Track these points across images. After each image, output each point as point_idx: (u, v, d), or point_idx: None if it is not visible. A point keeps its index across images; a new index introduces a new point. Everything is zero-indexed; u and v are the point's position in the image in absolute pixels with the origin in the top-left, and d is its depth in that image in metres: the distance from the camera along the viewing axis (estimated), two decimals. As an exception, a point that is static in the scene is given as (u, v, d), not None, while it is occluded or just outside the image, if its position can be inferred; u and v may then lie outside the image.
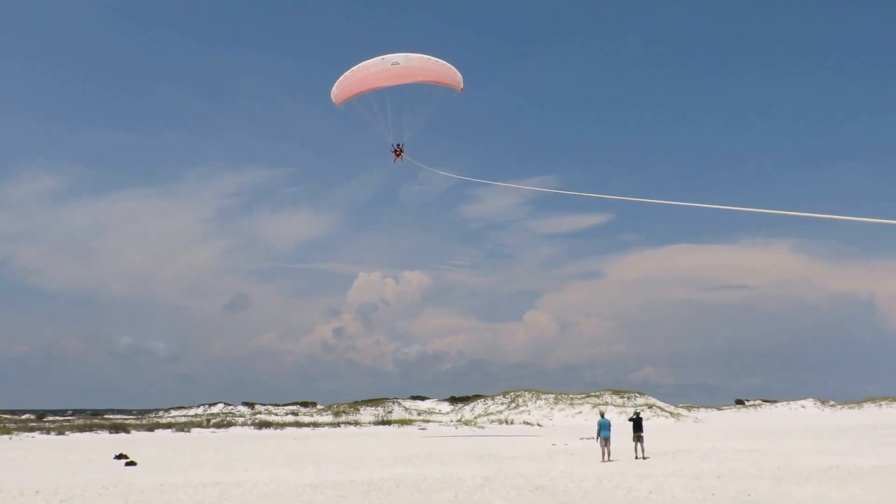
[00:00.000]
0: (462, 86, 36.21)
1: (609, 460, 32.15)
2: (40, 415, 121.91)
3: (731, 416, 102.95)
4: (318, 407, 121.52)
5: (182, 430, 70.72)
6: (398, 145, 35.33)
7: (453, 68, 35.88)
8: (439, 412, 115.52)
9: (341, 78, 35.46)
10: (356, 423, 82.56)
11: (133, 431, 67.23)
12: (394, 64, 34.77)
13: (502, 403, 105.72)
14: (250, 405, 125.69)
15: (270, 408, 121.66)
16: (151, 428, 71.81)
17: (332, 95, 36.02)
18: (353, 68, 35.19)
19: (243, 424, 78.91)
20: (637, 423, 34.63)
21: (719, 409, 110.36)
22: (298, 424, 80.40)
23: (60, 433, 63.12)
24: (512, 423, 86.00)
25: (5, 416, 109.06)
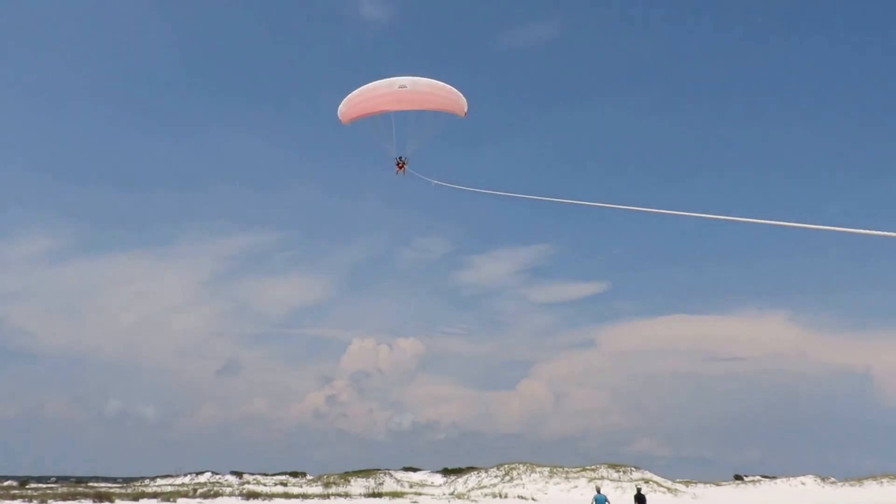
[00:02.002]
0: (466, 111, 37.43)
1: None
2: (23, 482, 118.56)
3: (731, 493, 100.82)
4: (308, 477, 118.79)
5: (168, 501, 68.15)
6: (401, 158, 36.47)
7: (458, 93, 37.16)
8: (432, 485, 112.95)
9: (349, 97, 36.66)
10: (346, 496, 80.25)
11: (118, 501, 64.76)
12: (401, 87, 36.05)
13: (496, 476, 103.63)
14: (238, 474, 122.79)
15: (259, 477, 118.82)
16: (136, 497, 68.93)
17: (338, 113, 37.15)
18: (361, 89, 36.42)
19: (231, 495, 76.31)
20: (640, 500, 34.62)
21: (718, 485, 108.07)
22: (287, 496, 77.95)
23: (43, 502, 61.17)
24: (506, 496, 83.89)
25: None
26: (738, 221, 19.06)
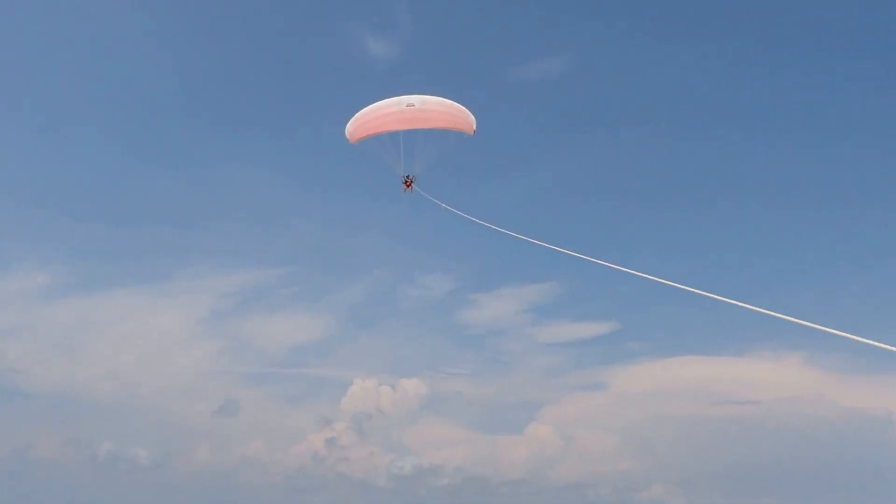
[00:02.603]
0: (475, 129, 36.75)
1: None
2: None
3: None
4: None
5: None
6: (408, 176, 36.18)
7: (466, 111, 36.49)
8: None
9: (356, 116, 36.01)
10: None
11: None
12: (409, 106, 35.38)
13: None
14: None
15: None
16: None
17: (346, 132, 36.48)
18: (369, 108, 35.79)
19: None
20: None
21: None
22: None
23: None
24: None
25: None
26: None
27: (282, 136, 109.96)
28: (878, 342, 13.58)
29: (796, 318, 16.35)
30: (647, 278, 22.62)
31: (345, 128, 36.57)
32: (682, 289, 20.50)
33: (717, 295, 18.65)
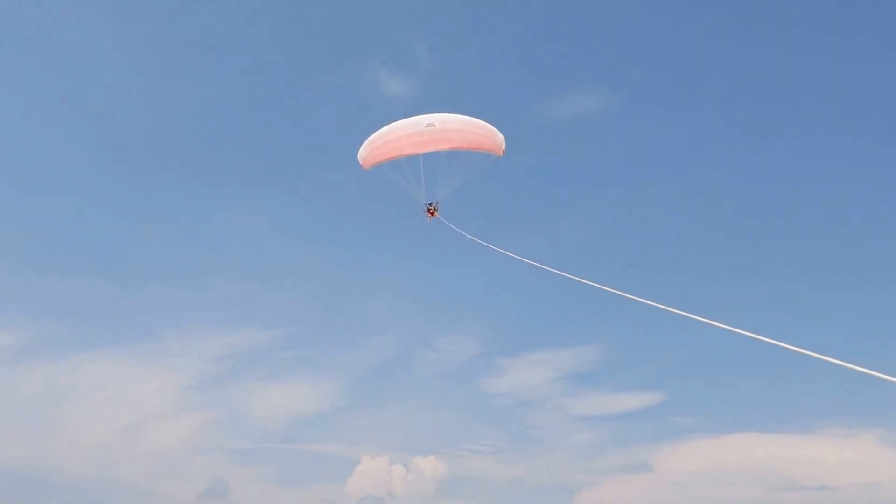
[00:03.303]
0: (504, 149, 33.02)
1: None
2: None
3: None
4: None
5: None
6: (431, 204, 33.46)
7: (494, 130, 32.80)
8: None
9: (370, 140, 32.43)
10: None
11: None
12: (428, 126, 31.82)
13: None
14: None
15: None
16: None
17: (359, 158, 32.96)
18: (384, 130, 32.23)
19: None
20: None
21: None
22: None
23: None
24: None
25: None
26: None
27: (282, 183, 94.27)
28: None
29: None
30: (707, 324, 18.59)
31: (357, 153, 33.02)
32: (742, 334, 16.53)
33: (798, 348, 14.69)
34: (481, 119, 32.75)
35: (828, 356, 14.59)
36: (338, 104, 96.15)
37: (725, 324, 18.68)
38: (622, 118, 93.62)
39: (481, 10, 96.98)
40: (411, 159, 32.21)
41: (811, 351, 14.92)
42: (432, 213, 33.91)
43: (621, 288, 22.19)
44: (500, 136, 32.85)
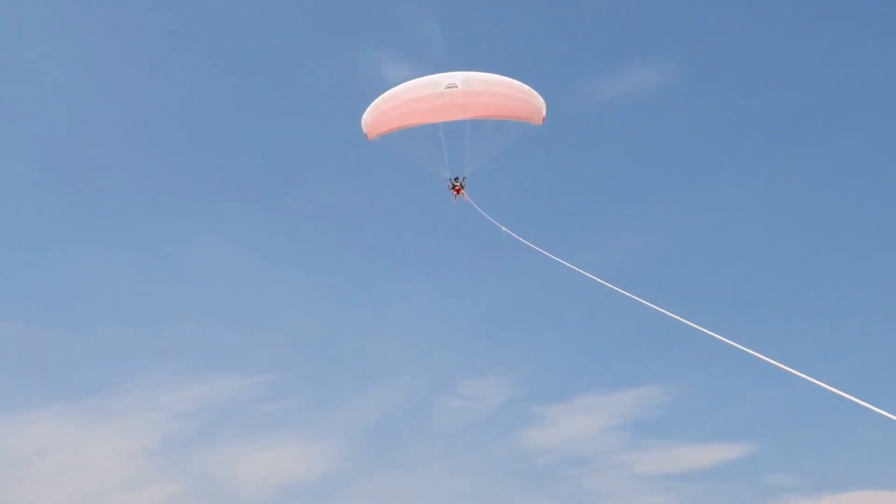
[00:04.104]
0: (544, 115, 26.61)
1: None
2: None
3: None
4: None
5: None
6: (457, 179, 27.71)
7: (531, 92, 26.37)
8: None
9: (377, 103, 26.23)
10: None
11: None
12: (449, 87, 25.52)
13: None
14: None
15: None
16: None
17: (362, 124, 26.86)
18: (395, 90, 25.98)
19: None
20: None
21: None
22: None
23: None
24: None
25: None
26: None
27: (265, 200, 72.28)
28: None
29: None
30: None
31: (360, 120, 26.87)
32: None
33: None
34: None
35: None
36: (331, 101, 72.88)
37: (826, 377, 12.56)
38: (690, 95, 69.21)
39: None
40: (429, 127, 26.12)
41: None
42: (458, 191, 27.98)
43: (695, 314, 15.98)
44: (540, 100, 26.47)
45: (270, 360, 66.15)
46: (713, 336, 15.88)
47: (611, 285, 17.42)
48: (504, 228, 25.62)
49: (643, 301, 16.07)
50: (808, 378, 13.35)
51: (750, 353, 15.23)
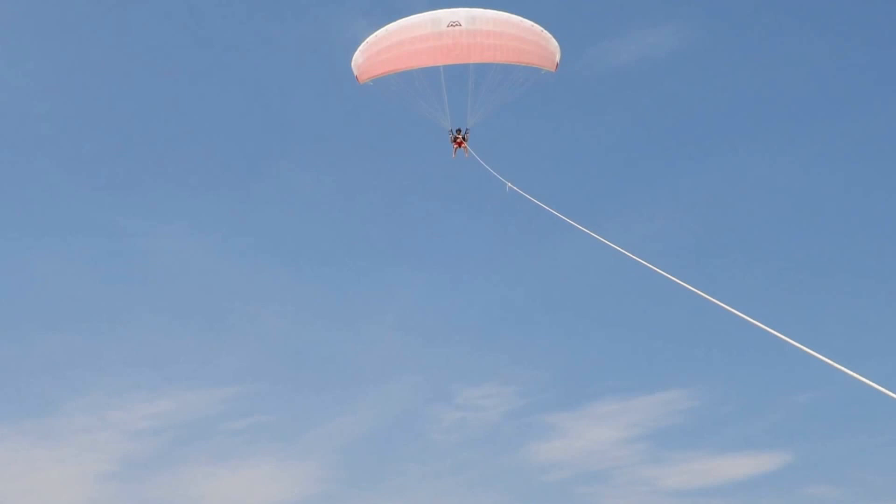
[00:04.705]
0: (557, 61, 23.86)
1: None
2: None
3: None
4: None
5: None
6: (458, 132, 25.31)
7: (544, 34, 23.64)
8: None
9: (369, 42, 23.47)
10: None
11: None
12: (452, 25, 22.81)
13: None
14: None
15: None
16: None
17: (352, 65, 24.19)
18: (391, 27, 23.23)
19: None
20: None
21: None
22: None
23: None
24: None
25: None
26: None
27: (229, 186, 61.38)
28: None
29: None
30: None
31: (351, 60, 24.15)
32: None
33: None
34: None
35: None
36: (301, 69, 62.01)
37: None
38: (709, 59, 61.36)
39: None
40: (428, 71, 23.47)
41: None
42: (459, 145, 25.57)
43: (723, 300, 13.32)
44: (554, 43, 23.74)
45: (240, 369, 56.19)
46: (755, 325, 13.18)
47: (643, 261, 14.59)
48: (510, 184, 23.20)
49: (681, 282, 13.27)
50: (854, 375, 10.87)
51: (790, 345, 12.71)
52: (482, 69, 23.52)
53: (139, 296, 58.14)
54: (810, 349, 11.62)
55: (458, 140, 25.59)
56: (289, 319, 58.43)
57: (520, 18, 23.37)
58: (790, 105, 59.72)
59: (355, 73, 24.14)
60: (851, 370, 10.74)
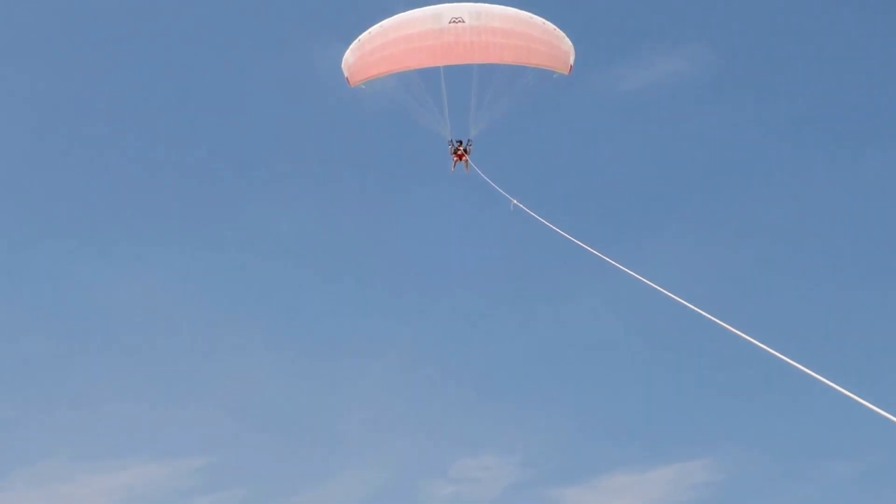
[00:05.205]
0: (571, 63, 21.55)
1: None
2: None
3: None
4: None
5: None
6: (460, 143, 23.11)
7: (556, 33, 21.42)
8: None
9: (363, 38, 21.19)
10: None
11: None
12: (454, 21, 20.53)
13: None
14: None
15: None
16: None
17: (343, 65, 21.86)
18: (386, 23, 20.95)
19: None
20: None
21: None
22: None
23: None
24: None
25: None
26: None
27: (199, 229, 52.22)
28: None
29: None
30: None
31: (342, 62, 21.83)
32: None
33: None
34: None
35: None
36: (276, 101, 55.39)
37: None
38: (728, 84, 54.39)
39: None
40: (426, 72, 21.19)
41: None
42: (460, 157, 23.45)
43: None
44: (568, 43, 21.51)
45: (205, 439, 48.48)
46: (801, 372, 10.75)
47: (674, 296, 12.08)
48: (514, 201, 20.86)
49: (718, 321, 10.83)
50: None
51: (839, 402, 10.25)
52: (487, 71, 21.35)
53: (93, 352, 50.20)
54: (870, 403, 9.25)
55: (459, 152, 23.41)
56: (262, 382, 50.68)
57: (530, 15, 21.16)
58: (806, 132, 54.19)
59: (345, 74, 21.79)
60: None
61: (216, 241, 51.98)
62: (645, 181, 53.51)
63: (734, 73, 54.86)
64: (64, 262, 49.72)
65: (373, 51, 21.07)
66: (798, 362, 10.00)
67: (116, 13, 54.11)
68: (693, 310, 11.99)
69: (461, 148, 23.29)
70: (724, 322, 11.20)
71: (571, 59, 21.60)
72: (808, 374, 9.82)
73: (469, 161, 23.39)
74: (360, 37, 21.21)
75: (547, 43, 21.26)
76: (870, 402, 8.65)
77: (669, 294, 12.72)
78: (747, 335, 10.94)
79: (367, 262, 50.17)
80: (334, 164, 52.29)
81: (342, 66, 21.76)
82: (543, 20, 21.16)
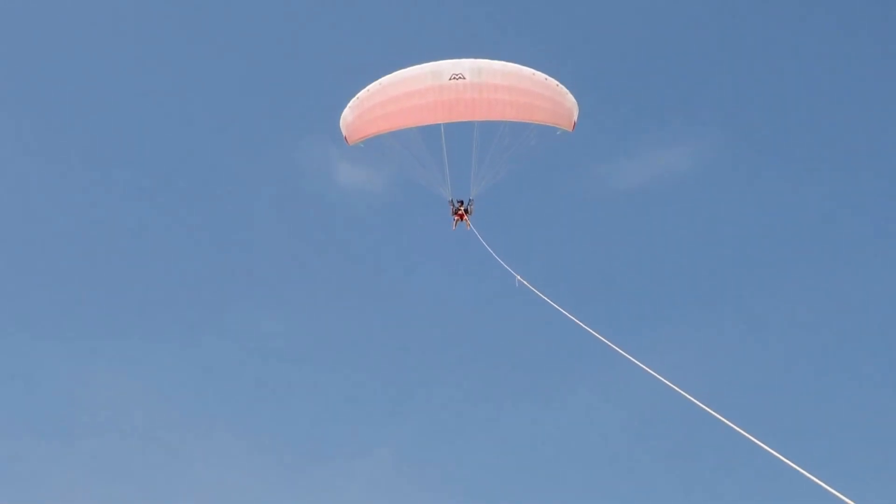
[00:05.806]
0: (575, 120, 21.02)
1: None
2: None
3: None
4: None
5: None
6: (461, 203, 22.73)
7: (559, 89, 20.86)
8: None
9: (362, 96, 20.59)
10: None
11: None
12: (454, 77, 20.02)
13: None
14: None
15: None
16: None
17: (341, 124, 21.25)
18: (385, 79, 20.40)
19: None
20: None
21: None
22: None
23: None
24: None
25: None
26: None
27: (182, 333, 47.42)
28: None
29: None
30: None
31: (340, 119, 21.28)
32: None
33: None
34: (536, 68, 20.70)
35: None
36: (266, 201, 52.18)
37: None
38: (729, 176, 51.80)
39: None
40: (426, 130, 20.66)
41: None
42: (461, 217, 22.93)
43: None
44: (571, 99, 20.94)
45: None
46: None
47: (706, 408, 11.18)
48: (519, 277, 19.71)
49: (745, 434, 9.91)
50: None
51: None
52: (489, 128, 20.79)
53: (71, 454, 43.66)
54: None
55: (460, 212, 22.86)
56: (242, 486, 43.45)
57: (532, 70, 20.59)
58: (811, 228, 50.01)
59: (343, 133, 21.19)
60: None
61: (199, 344, 47.51)
62: (654, 267, 48.90)
63: (748, 159, 51.44)
64: (41, 359, 45.03)
65: (372, 108, 20.49)
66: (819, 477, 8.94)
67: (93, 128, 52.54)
68: (701, 407, 10.93)
69: (462, 208, 22.76)
70: (736, 426, 9.99)
71: (575, 116, 21.07)
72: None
73: (470, 223, 22.83)
74: (359, 94, 20.65)
75: (550, 99, 20.73)
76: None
77: (677, 388, 11.68)
78: (763, 442, 9.71)
79: (353, 362, 46.04)
80: (315, 266, 49.60)
81: (340, 124, 21.17)
82: (546, 76, 20.65)
